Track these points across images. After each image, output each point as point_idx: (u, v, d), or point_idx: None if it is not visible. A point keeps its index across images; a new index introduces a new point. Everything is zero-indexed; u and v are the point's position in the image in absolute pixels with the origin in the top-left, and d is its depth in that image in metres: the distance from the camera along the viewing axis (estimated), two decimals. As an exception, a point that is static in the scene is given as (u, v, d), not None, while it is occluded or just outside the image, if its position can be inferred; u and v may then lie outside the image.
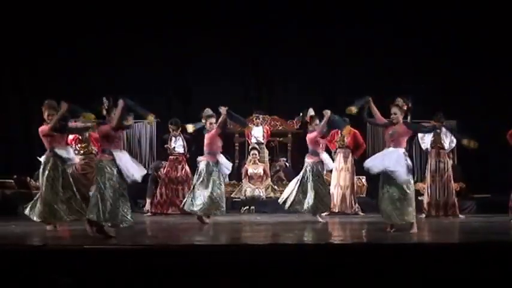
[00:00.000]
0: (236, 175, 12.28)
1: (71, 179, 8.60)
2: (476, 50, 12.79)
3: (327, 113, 9.67)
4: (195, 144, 11.65)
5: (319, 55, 13.59)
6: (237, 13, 13.16)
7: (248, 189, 11.85)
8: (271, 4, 13.17)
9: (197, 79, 13.67)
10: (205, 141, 9.71)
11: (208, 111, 9.97)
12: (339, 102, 13.26)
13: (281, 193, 12.16)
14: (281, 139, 13.08)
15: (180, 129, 11.48)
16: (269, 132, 12.56)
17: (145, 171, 8.10)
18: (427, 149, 10.85)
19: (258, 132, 12.37)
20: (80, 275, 5.97)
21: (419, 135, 10.88)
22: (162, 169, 11.47)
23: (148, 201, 11.39)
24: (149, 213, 11.16)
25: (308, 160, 9.79)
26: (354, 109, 8.68)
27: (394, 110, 8.35)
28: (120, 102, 7.79)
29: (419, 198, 11.24)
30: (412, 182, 8.18)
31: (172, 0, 13.13)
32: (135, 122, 12.37)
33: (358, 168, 11.11)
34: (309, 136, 9.84)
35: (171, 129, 11.52)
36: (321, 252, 6.63)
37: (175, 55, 13.60)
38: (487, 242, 7.17)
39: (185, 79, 13.93)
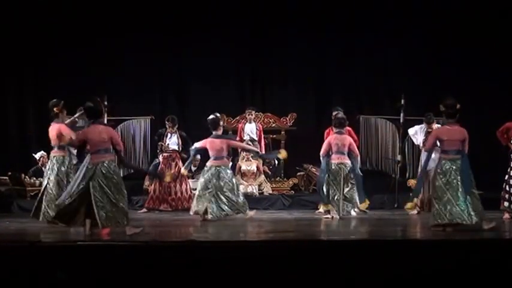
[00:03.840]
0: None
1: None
2: (467, 49, 12.84)
3: None
4: (191, 143, 11.72)
5: (314, 55, 13.64)
6: (234, 13, 13.16)
7: (241, 186, 11.87)
8: (267, 5, 13.17)
9: (194, 79, 13.67)
10: None
11: None
12: (333, 101, 13.39)
13: (273, 190, 12.28)
14: (274, 136, 13.10)
15: (177, 126, 11.57)
16: (261, 131, 12.56)
17: None
18: (419, 144, 10.89)
19: (250, 129, 12.37)
20: (74, 272, 5.99)
21: (411, 131, 10.93)
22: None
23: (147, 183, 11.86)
24: (144, 210, 11.22)
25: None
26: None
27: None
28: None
29: (412, 195, 11.32)
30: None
31: (170, 1, 13.14)
32: (129, 119, 12.46)
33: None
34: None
35: (167, 126, 11.58)
36: (314, 248, 6.67)
37: (173, 55, 13.61)
38: (480, 240, 7.20)
39: (182, 79, 13.92)
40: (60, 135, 8.75)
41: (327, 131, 11.21)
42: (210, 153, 9.67)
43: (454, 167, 7.88)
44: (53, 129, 8.83)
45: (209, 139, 9.72)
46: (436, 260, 6.20)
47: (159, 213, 11.11)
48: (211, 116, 9.91)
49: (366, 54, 13.45)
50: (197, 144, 9.91)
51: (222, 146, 9.67)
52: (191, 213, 9.78)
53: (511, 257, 6.32)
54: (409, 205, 8.74)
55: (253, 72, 14.10)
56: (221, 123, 10.14)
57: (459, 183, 7.84)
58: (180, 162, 11.54)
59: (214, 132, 9.76)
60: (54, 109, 8.92)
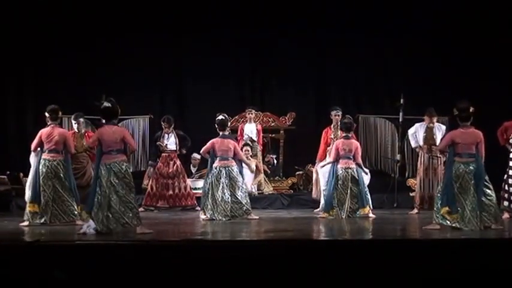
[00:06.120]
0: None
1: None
2: (467, 49, 12.84)
3: None
4: (190, 141, 11.72)
5: (314, 54, 13.66)
6: (234, 13, 13.16)
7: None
8: (268, 5, 13.17)
9: (194, 79, 13.67)
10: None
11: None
12: (332, 101, 13.41)
13: (274, 189, 12.28)
14: (273, 135, 13.11)
15: (173, 126, 11.56)
16: (261, 132, 12.53)
17: None
18: (416, 147, 10.82)
19: (249, 129, 12.35)
20: (73, 271, 5.98)
21: (411, 131, 10.86)
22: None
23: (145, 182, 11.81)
24: (142, 209, 11.20)
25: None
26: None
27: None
28: None
29: (411, 194, 11.32)
30: None
31: (170, 2, 13.14)
32: (128, 119, 12.47)
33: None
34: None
35: (163, 127, 11.57)
36: (313, 248, 6.67)
37: (173, 55, 13.62)
38: (479, 239, 7.19)
39: (182, 79, 13.92)
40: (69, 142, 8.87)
41: (325, 130, 11.20)
42: (217, 153, 9.63)
43: (467, 170, 7.86)
44: (61, 134, 8.88)
45: (217, 139, 9.68)
46: (435, 260, 6.19)
47: (158, 212, 11.10)
48: (220, 117, 9.85)
49: (365, 54, 13.44)
50: (204, 148, 9.77)
51: (230, 146, 9.67)
52: (202, 216, 9.72)
53: (511, 257, 6.31)
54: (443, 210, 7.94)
55: (253, 72, 14.10)
56: (229, 124, 10.20)
57: (472, 187, 7.83)
58: (178, 161, 11.53)
59: (221, 133, 9.75)
60: (60, 113, 8.97)
